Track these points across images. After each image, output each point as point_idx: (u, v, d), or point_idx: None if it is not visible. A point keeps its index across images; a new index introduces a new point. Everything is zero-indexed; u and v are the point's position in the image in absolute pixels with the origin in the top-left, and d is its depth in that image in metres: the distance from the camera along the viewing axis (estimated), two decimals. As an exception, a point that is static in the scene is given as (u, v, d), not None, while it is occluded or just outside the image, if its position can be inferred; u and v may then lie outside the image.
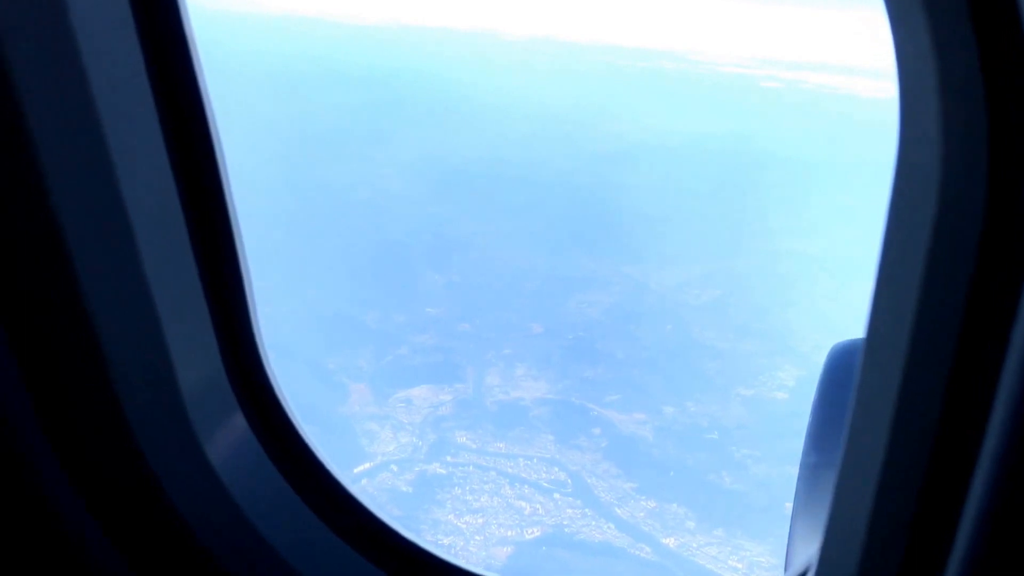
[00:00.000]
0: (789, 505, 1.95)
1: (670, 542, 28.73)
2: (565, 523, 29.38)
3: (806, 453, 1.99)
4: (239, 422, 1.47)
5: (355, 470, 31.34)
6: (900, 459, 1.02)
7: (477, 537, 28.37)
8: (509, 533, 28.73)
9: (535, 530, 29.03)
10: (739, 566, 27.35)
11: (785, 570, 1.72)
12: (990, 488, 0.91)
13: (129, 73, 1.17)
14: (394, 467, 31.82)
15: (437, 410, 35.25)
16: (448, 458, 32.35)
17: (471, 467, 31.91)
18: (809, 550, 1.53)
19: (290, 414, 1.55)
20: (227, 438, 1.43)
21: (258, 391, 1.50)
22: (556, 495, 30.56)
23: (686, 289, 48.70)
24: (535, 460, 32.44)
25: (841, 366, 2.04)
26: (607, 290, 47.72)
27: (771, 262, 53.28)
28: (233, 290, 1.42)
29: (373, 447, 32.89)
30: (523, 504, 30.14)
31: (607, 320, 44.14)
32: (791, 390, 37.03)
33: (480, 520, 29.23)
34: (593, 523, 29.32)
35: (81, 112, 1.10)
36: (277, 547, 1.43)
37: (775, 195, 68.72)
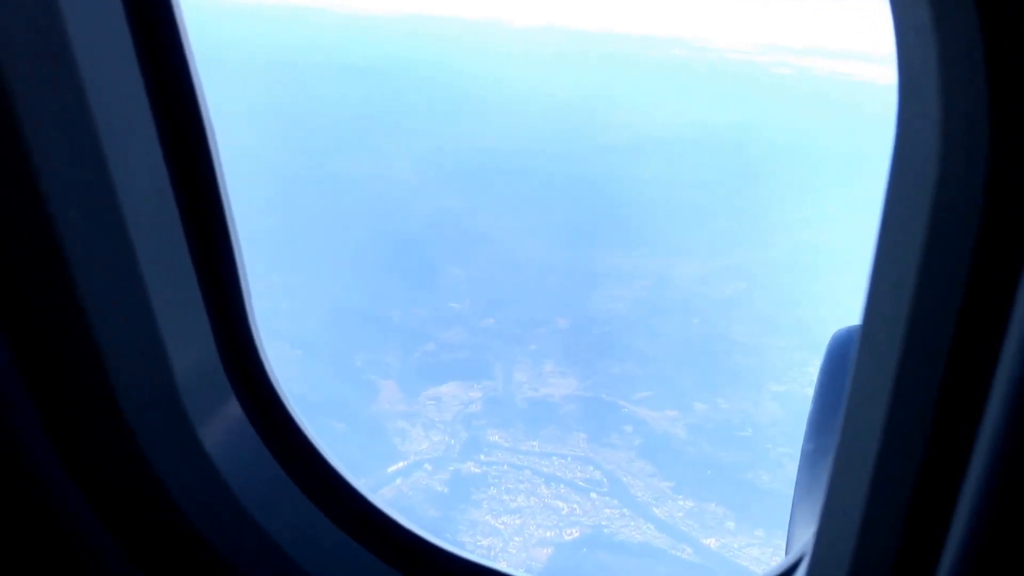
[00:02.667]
0: None
1: (711, 543, 28.34)
2: (604, 523, 28.98)
3: (807, 439, 1.96)
4: (234, 408, 1.46)
5: (389, 469, 30.98)
6: (896, 446, 1.01)
7: (516, 538, 28.00)
8: (548, 534, 28.35)
9: (574, 531, 28.64)
10: (783, 567, 26.91)
11: (785, 556, 1.69)
12: (986, 476, 0.90)
13: (121, 65, 1.17)
14: (428, 466, 31.44)
15: (467, 408, 34.86)
16: (482, 457, 31.95)
17: (505, 466, 31.50)
18: (808, 536, 1.50)
19: (284, 400, 1.52)
20: (222, 424, 1.42)
21: (253, 377, 1.49)
22: (593, 494, 30.15)
23: (709, 282, 48.24)
24: (569, 458, 32.04)
25: (843, 352, 2.00)
26: (630, 284, 47.25)
27: (793, 254, 52.83)
28: (227, 278, 1.40)
29: (405, 445, 32.50)
30: (560, 504, 29.75)
31: (632, 314, 43.70)
32: (822, 385, 36.53)
33: (518, 521, 28.84)
34: (632, 523, 28.92)
35: (72, 101, 1.10)
36: (271, 532, 1.42)
37: (791, 186, 68.23)
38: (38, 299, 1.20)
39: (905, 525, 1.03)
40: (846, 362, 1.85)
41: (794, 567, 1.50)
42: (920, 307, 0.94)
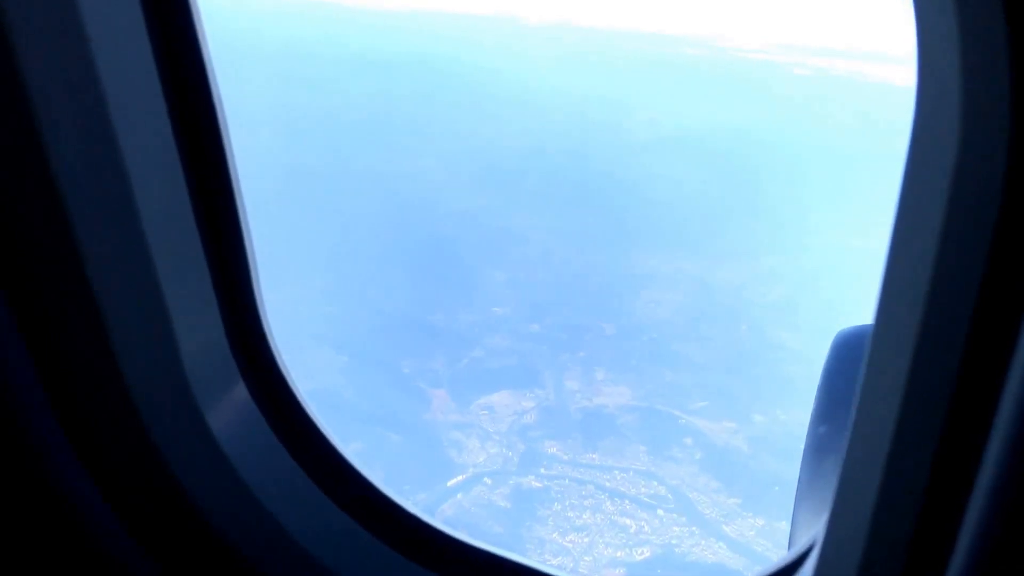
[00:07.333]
0: None
1: (788, 564, 27.24)
2: (674, 542, 27.89)
3: (810, 437, 1.95)
4: (240, 392, 1.46)
5: (448, 483, 29.90)
6: (908, 441, 0.99)
7: (586, 558, 26.93)
8: (618, 554, 27.26)
9: (644, 550, 27.54)
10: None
11: (789, 547, 1.68)
12: (999, 473, 0.88)
13: (138, 59, 1.17)
14: (488, 480, 30.36)
15: (521, 418, 33.77)
16: (542, 470, 30.87)
17: (567, 480, 30.44)
18: (812, 530, 1.51)
19: (290, 383, 1.52)
20: (228, 407, 1.42)
21: (259, 360, 1.49)
22: (659, 511, 29.06)
23: (752, 287, 47.24)
24: (631, 472, 30.94)
25: (847, 351, 1.98)
26: (672, 288, 46.23)
27: (832, 258, 51.83)
28: (236, 259, 1.41)
29: (462, 458, 31.41)
30: (627, 521, 28.65)
31: (678, 320, 42.65)
32: (878, 395, 35.49)
33: (586, 539, 27.75)
34: (703, 542, 27.85)
35: (88, 92, 1.10)
36: (276, 515, 1.42)
37: (817, 188, 67.32)
38: (44, 276, 1.19)
39: (917, 520, 1.01)
40: (850, 361, 1.89)
41: (803, 557, 1.47)
42: (935, 300, 0.91)
